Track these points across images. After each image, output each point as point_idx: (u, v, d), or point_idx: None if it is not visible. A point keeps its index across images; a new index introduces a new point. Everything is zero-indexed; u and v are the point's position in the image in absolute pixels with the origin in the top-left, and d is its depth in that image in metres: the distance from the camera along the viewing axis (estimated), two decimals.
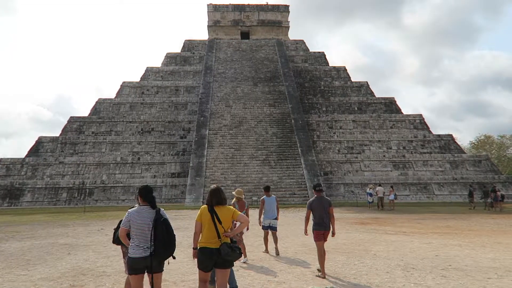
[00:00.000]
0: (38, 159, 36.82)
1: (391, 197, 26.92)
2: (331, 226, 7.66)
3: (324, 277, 7.02)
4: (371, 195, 27.62)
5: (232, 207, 5.28)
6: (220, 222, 4.96)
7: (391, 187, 28.77)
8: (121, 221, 4.90)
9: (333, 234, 7.76)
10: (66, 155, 37.66)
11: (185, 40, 54.24)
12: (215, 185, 5.29)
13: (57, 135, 40.31)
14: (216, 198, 5.11)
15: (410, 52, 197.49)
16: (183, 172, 35.40)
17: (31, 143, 39.73)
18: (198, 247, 5.03)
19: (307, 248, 10.33)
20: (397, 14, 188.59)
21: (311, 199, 7.83)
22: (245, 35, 55.48)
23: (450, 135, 41.72)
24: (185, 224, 17.33)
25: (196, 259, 5.09)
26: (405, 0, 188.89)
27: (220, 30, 55.60)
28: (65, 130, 40.87)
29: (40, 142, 39.19)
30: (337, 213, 23.34)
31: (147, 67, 48.95)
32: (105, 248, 10.63)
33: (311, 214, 7.78)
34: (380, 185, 28.21)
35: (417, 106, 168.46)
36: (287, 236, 12.98)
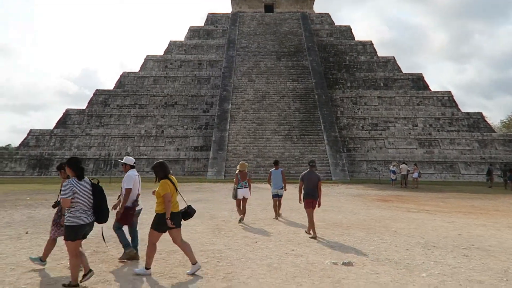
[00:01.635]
0: (65, 130, 37.90)
1: (415, 175, 26.44)
2: (319, 195, 8.82)
3: (315, 238, 8.16)
4: (394, 172, 27.19)
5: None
6: (177, 190, 5.99)
7: (415, 164, 28.22)
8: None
9: (319, 205, 8.83)
10: (92, 127, 38.58)
11: (208, 14, 53.63)
12: (160, 160, 6.12)
13: (84, 107, 41.28)
14: (167, 170, 5.98)
15: (439, 26, 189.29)
16: (205, 145, 35.75)
17: (58, 115, 40.89)
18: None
19: (326, 223, 10.31)
20: None
21: (303, 173, 9.05)
22: (269, 8, 54.29)
23: (480, 113, 40.22)
24: (207, 197, 17.60)
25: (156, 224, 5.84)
26: None
27: (243, 3, 54.57)
28: (91, 103, 41.72)
29: (67, 114, 40.22)
30: (359, 189, 23.25)
31: (171, 41, 48.88)
32: None
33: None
34: (404, 163, 27.68)
35: (445, 83, 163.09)
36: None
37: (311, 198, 8.65)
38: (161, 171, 5.90)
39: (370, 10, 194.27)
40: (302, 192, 8.92)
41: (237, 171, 10.78)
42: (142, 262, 6.15)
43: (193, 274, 5.53)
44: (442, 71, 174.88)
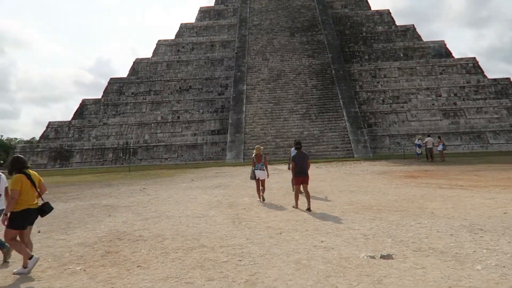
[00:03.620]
0: (83, 121, 37.92)
1: (440, 147, 25.26)
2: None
3: (296, 207, 9.60)
4: (419, 146, 26.01)
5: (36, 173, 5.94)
6: (35, 185, 5.71)
7: (439, 137, 26.96)
8: None
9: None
10: (109, 116, 38.49)
11: None
12: (16, 154, 5.93)
13: (99, 97, 41.15)
14: (22, 164, 5.72)
15: None
16: (222, 129, 35.18)
17: (77, 105, 40.98)
18: (22, 210, 5.53)
19: (354, 206, 9.57)
20: None
21: (293, 154, 10.14)
22: None
23: (508, 79, 38.15)
24: (226, 182, 17.06)
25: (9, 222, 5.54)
26: None
27: None
28: (106, 92, 41.56)
29: (84, 104, 40.21)
30: (383, 166, 22.31)
31: (181, 24, 47.97)
32: (145, 209, 10.45)
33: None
34: (429, 136, 26.44)
35: (464, 50, 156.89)
36: (332, 192, 12.25)
37: (302, 176, 9.68)
38: (13, 166, 5.73)
39: None
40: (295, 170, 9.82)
41: (253, 155, 11.64)
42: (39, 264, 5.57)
43: (19, 274, 5.35)
44: (461, 38, 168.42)
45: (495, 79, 37.97)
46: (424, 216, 8.04)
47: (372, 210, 9.02)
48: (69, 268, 5.51)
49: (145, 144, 34.89)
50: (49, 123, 38.53)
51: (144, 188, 15.82)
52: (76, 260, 5.93)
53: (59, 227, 8.59)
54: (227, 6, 49.57)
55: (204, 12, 49.52)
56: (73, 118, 39.24)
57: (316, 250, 5.78)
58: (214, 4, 51.02)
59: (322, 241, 6.30)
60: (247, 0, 48.84)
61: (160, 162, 33.56)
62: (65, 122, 38.33)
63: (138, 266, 5.45)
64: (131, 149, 34.85)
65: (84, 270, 5.40)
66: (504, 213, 8.18)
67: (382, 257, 5.27)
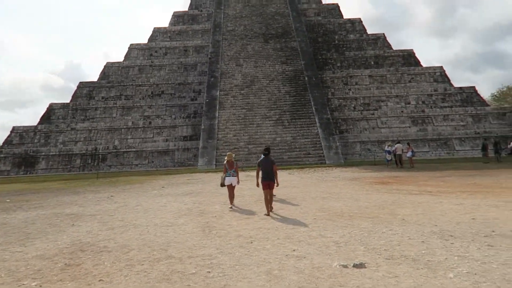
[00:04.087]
0: (50, 126, 36.53)
1: (409, 154, 25.83)
2: (275, 179, 10.09)
3: (268, 215, 9.56)
4: (389, 152, 26.50)
5: None
6: None
7: (408, 144, 27.57)
8: None
9: (277, 184, 10.23)
10: (77, 121, 37.26)
11: None
12: None
13: (68, 101, 39.81)
14: None
15: (423, 1, 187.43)
16: (195, 135, 34.72)
17: (43, 110, 39.48)
18: None
19: (326, 213, 9.51)
20: None
21: (260, 159, 10.27)
22: None
23: (473, 87, 39.64)
24: (197, 189, 16.72)
25: None
26: None
27: None
28: (75, 96, 40.28)
29: (51, 109, 38.78)
30: (355, 172, 22.53)
31: (155, 28, 47.31)
32: (111, 218, 10.02)
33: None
34: (399, 142, 27.02)
35: (431, 59, 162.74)
36: (304, 199, 12.17)
37: (267, 181, 9.94)
38: None
39: None
40: (260, 175, 10.17)
41: (225, 162, 11.67)
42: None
43: None
44: (428, 47, 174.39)
45: (461, 88, 39.37)
46: (395, 223, 8.06)
47: (344, 217, 8.98)
48: (23, 284, 5.11)
49: (114, 150, 33.95)
50: (14, 127, 36.87)
51: (111, 196, 15.27)
52: (33, 274, 5.52)
53: (17, 239, 8.06)
54: (201, 11, 49.31)
55: (178, 17, 49.06)
56: (39, 123, 37.74)
57: (288, 260, 5.63)
58: (188, 9, 50.65)
59: (294, 250, 6.15)
60: (221, 6, 48.76)
61: (130, 168, 32.73)
62: (30, 127, 36.79)
63: (100, 280, 5.12)
64: (100, 155, 33.81)
65: (40, 286, 5.02)
66: (472, 218, 8.31)
67: (355, 266, 5.18)
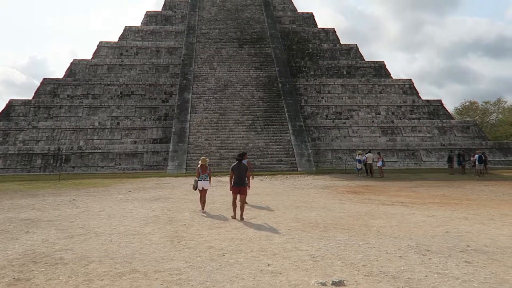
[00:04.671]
0: (9, 123, 34.58)
1: (379, 163, 26.14)
2: (247, 183, 10.49)
3: (234, 218, 10.07)
4: (359, 161, 26.75)
5: None
6: None
7: (379, 153, 27.95)
8: None
9: (248, 187, 11.07)
10: (40, 120, 35.50)
11: None
12: None
13: (30, 98, 37.90)
14: None
15: (392, 16, 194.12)
16: (165, 138, 33.84)
17: (3, 107, 37.40)
18: None
19: (300, 224, 9.22)
20: None
21: (233, 165, 10.41)
22: None
23: (439, 101, 40.92)
24: (166, 194, 16.08)
25: None
26: None
27: None
28: (38, 93, 38.42)
29: (11, 105, 36.77)
30: (326, 180, 22.51)
31: (126, 26, 46.06)
32: (71, 225, 9.31)
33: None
34: (369, 152, 27.33)
35: (398, 71, 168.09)
36: (277, 208, 11.86)
37: (238, 186, 10.15)
38: None
39: (326, 0, 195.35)
40: (233, 180, 10.32)
41: (198, 166, 11.70)
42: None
43: None
44: (396, 60, 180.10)
45: (428, 101, 40.54)
46: (371, 235, 7.86)
47: (319, 228, 8.72)
48: None
49: (79, 151, 32.51)
50: None
51: (73, 200, 14.39)
52: None
53: None
54: (175, 12, 48.49)
55: (150, 17, 48.01)
56: None
57: (263, 276, 5.25)
58: (162, 9, 49.68)
59: (268, 265, 5.78)
60: (196, 8, 48.16)
61: (96, 170, 31.40)
62: None
63: None
64: (64, 156, 32.26)
65: None
66: (446, 232, 8.25)
67: (334, 283, 4.87)
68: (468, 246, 6.88)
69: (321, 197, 14.79)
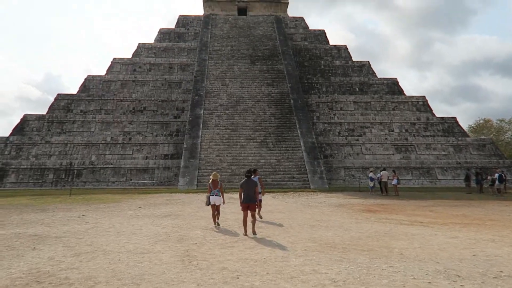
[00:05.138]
0: (23, 138, 34.88)
1: (394, 181, 25.51)
2: (256, 199, 10.26)
3: (246, 235, 9.91)
4: (372, 179, 26.15)
5: None
6: None
7: (394, 171, 27.32)
8: None
9: (260, 203, 11.98)
10: (53, 134, 35.76)
11: (180, 16, 51.80)
12: None
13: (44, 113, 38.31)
14: None
15: (402, 34, 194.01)
16: (176, 153, 33.71)
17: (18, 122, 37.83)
18: None
19: (317, 244, 8.77)
20: None
21: (242, 181, 10.35)
22: (242, 11, 53.01)
23: (454, 118, 40.18)
24: (177, 210, 15.74)
25: None
26: None
27: (216, 6, 53.03)
28: (52, 108, 38.84)
29: (25, 120, 37.18)
30: (340, 198, 21.95)
31: (139, 43, 46.69)
32: (79, 241, 9.01)
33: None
34: (384, 169, 26.74)
35: (409, 90, 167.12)
36: (292, 226, 11.42)
37: (248, 202, 10.05)
38: None
39: (335, 18, 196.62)
40: (242, 196, 10.23)
41: (210, 181, 11.66)
42: None
43: None
44: (406, 79, 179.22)
45: (442, 118, 39.87)
46: (394, 258, 7.39)
47: (337, 248, 8.27)
48: None
49: (91, 166, 32.52)
50: None
51: (83, 215, 14.15)
52: None
53: None
54: (188, 29, 49.08)
55: (164, 34, 48.64)
56: (11, 134, 35.99)
57: None
58: (175, 27, 50.33)
59: None
60: (208, 25, 48.70)
61: (107, 185, 31.29)
62: (1, 138, 34.97)
63: None
64: (75, 171, 32.29)
65: None
66: (473, 255, 7.74)
67: None
68: (501, 271, 6.38)
69: (336, 215, 14.30)
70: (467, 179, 27.42)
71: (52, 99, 39.51)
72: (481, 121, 72.05)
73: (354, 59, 47.36)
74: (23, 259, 7.36)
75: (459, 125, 39.69)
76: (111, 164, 32.58)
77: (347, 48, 47.70)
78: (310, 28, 51.11)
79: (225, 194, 22.25)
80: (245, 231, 10.08)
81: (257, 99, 37.63)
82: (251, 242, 9.01)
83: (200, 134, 33.04)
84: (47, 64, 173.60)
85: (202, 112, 35.33)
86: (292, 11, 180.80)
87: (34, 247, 8.43)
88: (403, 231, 10.74)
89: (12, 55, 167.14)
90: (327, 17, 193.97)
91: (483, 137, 50.32)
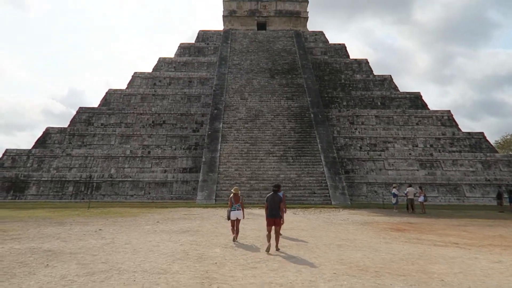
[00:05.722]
0: (44, 150, 35.27)
1: (421, 199, 24.41)
2: (281, 214, 10.19)
3: (268, 251, 9.58)
4: (395, 195, 25.05)
5: None
6: None
7: (420, 188, 26.23)
8: None
9: (283, 221, 10.49)
10: (73, 147, 36.06)
11: (200, 31, 52.26)
12: None
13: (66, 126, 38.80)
14: None
15: (422, 49, 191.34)
16: (195, 167, 33.41)
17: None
18: None
19: (346, 266, 8.08)
20: (408, 9, 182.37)
21: (268, 195, 10.25)
22: (261, 26, 53.15)
23: (482, 133, 38.71)
24: (195, 226, 15.23)
25: None
26: None
27: (235, 21, 53.39)
28: (73, 122, 39.32)
29: (47, 133, 37.68)
30: (364, 215, 21.03)
31: (160, 58, 47.17)
32: (94, 259, 8.57)
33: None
34: (410, 186, 25.69)
35: (430, 105, 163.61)
36: (317, 246, 10.73)
37: (273, 217, 9.94)
38: None
39: (356, 32, 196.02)
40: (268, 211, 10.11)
41: (231, 195, 11.55)
42: None
43: None
44: (427, 93, 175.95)
45: (469, 133, 38.47)
46: (435, 285, 6.64)
47: (370, 272, 7.56)
48: None
49: (110, 179, 32.50)
50: (6, 150, 35.55)
51: (100, 230, 13.78)
52: None
53: None
54: (207, 44, 49.40)
55: (184, 48, 49.06)
56: (34, 147, 36.49)
57: None
58: (195, 41, 50.75)
59: None
60: (228, 40, 48.92)
61: (125, 199, 31.15)
62: (24, 150, 35.49)
63: None
64: (94, 183, 32.31)
65: None
66: None
67: None
68: None
69: (362, 234, 13.51)
70: (499, 197, 26.07)
71: (74, 113, 40.03)
72: (509, 137, 69.78)
73: (375, 73, 46.59)
74: (34, 277, 6.94)
75: (487, 141, 38.20)
76: (130, 177, 32.49)
77: (368, 62, 47.03)
78: (330, 42, 50.70)
79: (245, 210, 21.73)
80: (268, 247, 9.76)
81: (277, 113, 37.20)
82: (275, 263, 8.38)
83: (219, 148, 32.70)
84: (71, 79, 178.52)
85: (221, 125, 35.07)
86: (312, 26, 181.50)
87: (47, 264, 8.02)
88: (439, 253, 9.91)
89: (38, 71, 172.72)
90: (346, 32, 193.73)
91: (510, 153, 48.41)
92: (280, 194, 11.62)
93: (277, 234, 9.92)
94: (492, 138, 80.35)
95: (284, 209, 12.79)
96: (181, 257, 8.94)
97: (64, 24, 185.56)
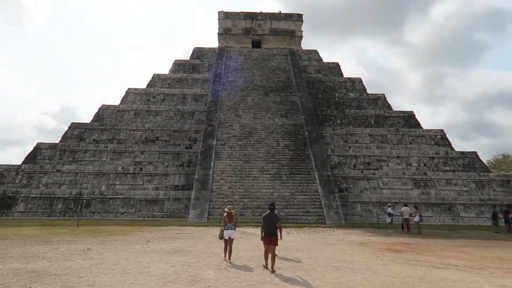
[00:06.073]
0: (34, 166, 34.57)
1: (417, 218, 24.10)
2: (278, 233, 10.18)
3: (266, 267, 9.76)
4: (390, 214, 24.77)
5: None
6: None
7: (416, 207, 25.97)
8: None
9: (281, 238, 10.50)
10: (64, 163, 35.42)
11: (195, 48, 52.49)
12: None
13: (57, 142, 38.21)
14: None
15: (413, 69, 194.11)
16: (187, 184, 32.90)
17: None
18: None
19: None
20: (400, 31, 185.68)
21: (264, 214, 10.16)
22: (256, 44, 53.55)
23: (475, 153, 38.83)
24: (187, 245, 14.75)
25: None
26: (407, 16, 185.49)
27: (230, 38, 53.78)
28: (65, 137, 38.75)
29: (38, 148, 37.03)
30: (359, 235, 20.66)
31: (154, 74, 47.12)
32: (80, 281, 8.12)
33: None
34: (405, 205, 25.47)
35: (423, 124, 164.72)
36: (314, 268, 10.35)
37: (270, 237, 9.82)
38: None
39: (348, 52, 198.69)
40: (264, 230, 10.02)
41: (225, 214, 11.42)
42: None
43: None
44: (419, 113, 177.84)
45: (462, 152, 38.56)
46: None
47: None
48: None
49: (100, 196, 31.83)
50: None
51: (88, 249, 13.27)
52: None
53: None
54: (202, 61, 49.53)
55: (178, 65, 49.11)
56: (23, 162, 35.77)
57: None
58: (190, 58, 50.88)
59: None
60: (223, 57, 49.12)
61: (115, 216, 30.44)
62: (13, 166, 34.77)
63: None
64: (84, 200, 31.60)
65: None
66: None
67: None
68: None
69: (359, 255, 13.16)
70: (495, 217, 25.86)
71: (66, 128, 39.51)
72: (500, 157, 70.33)
73: (368, 91, 46.91)
74: None
75: (480, 160, 38.28)
76: (121, 194, 31.87)
77: (361, 81, 47.36)
78: (324, 61, 51.16)
79: (238, 228, 21.26)
80: (266, 264, 9.97)
81: (271, 130, 37.06)
82: (271, 286, 8.00)
83: (212, 165, 32.33)
84: (64, 95, 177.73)
85: (214, 142, 34.78)
86: (306, 45, 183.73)
87: (30, 287, 7.57)
88: (439, 276, 9.60)
89: (31, 86, 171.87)
90: (339, 52, 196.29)
91: (504, 173, 48.66)
92: (276, 212, 11.39)
93: (273, 255, 9.74)
94: (483, 158, 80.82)
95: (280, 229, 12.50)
96: (172, 279, 8.53)
97: (58, 39, 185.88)
